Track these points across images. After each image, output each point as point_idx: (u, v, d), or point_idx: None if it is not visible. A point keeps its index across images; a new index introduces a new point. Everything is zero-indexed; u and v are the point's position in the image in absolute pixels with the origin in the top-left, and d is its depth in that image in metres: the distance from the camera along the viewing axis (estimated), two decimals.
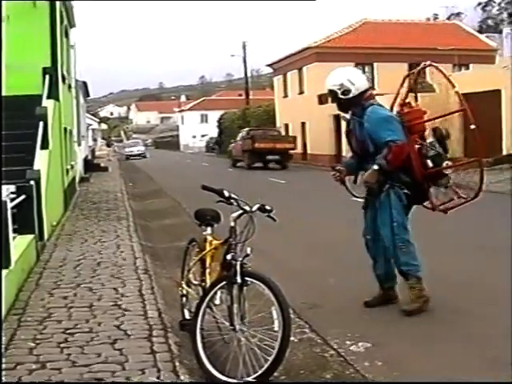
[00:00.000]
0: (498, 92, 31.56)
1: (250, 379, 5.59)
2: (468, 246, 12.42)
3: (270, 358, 5.56)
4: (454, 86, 8.50)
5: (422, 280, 8.10)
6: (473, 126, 8.12)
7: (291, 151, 45.65)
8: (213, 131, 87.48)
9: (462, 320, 7.75)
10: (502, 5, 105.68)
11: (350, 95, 8.17)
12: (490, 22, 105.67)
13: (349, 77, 8.27)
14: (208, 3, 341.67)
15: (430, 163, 8.05)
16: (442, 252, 11.76)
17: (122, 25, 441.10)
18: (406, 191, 8.09)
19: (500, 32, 60.83)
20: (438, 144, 8.27)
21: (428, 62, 8.90)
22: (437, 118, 8.75)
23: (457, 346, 6.93)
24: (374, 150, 8.04)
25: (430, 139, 8.37)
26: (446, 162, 8.21)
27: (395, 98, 9.00)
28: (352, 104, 8.28)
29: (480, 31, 70.80)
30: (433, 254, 10.55)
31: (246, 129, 50.42)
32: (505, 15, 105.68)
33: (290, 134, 54.16)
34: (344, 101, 8.29)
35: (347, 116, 8.54)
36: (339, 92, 8.24)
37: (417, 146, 8.19)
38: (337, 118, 44.72)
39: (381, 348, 6.90)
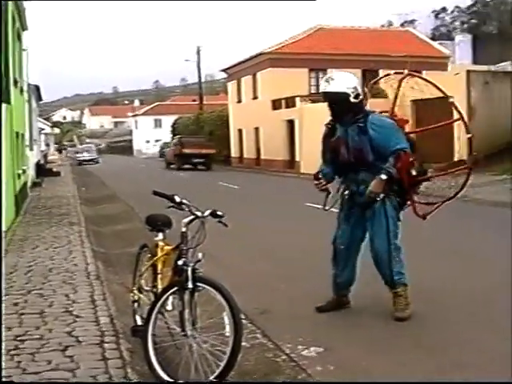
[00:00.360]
0: (444, 98, 31.85)
1: None
2: (420, 250, 12.53)
3: (222, 364, 5.55)
4: (449, 97, 8.74)
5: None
6: (469, 135, 8.36)
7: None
8: (167, 136, 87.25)
9: (415, 324, 7.82)
10: (455, 13, 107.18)
11: (359, 99, 7.90)
12: (443, 29, 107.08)
13: (356, 82, 8.02)
14: (162, 8, 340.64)
15: (413, 171, 7.97)
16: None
17: (76, 28, 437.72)
18: (398, 199, 8.11)
19: (452, 39, 61.66)
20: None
21: (406, 72, 8.91)
22: (430, 127, 9.47)
23: (408, 350, 6.99)
24: (373, 159, 7.89)
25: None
26: (430, 169, 8.43)
27: (394, 103, 8.78)
28: (357, 109, 8.00)
29: (433, 38, 71.63)
30: None
31: (178, 136, 58.15)
32: (457, 23, 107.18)
33: (244, 139, 54.42)
34: (352, 105, 7.91)
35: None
36: (352, 95, 7.87)
37: None
38: (290, 123, 44.95)
39: (333, 352, 6.93)
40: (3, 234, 13.13)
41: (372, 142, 7.85)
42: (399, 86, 8.67)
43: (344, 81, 7.96)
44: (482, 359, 6.53)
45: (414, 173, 8.01)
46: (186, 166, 51.85)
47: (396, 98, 8.63)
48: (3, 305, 7.73)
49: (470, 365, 6.41)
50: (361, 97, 7.91)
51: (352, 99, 7.83)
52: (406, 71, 8.58)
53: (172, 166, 54.67)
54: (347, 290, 8.56)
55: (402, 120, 8.36)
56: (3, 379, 5.69)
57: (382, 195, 7.84)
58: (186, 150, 52.18)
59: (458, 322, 7.84)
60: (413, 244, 12.99)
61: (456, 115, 8.77)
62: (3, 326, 7.19)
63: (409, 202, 8.33)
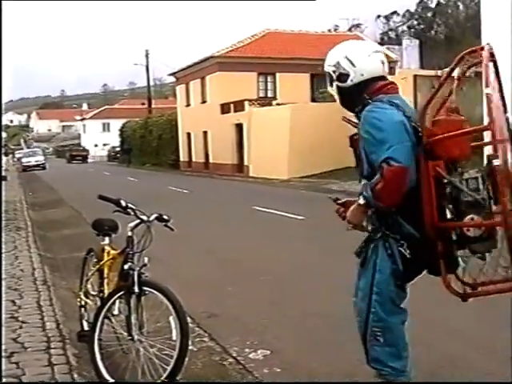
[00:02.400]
0: None
1: None
2: None
3: (169, 367, 5.56)
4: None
5: None
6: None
7: None
8: (115, 140, 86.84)
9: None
10: (402, 18, 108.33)
11: (349, 82, 5.04)
12: (391, 34, 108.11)
13: (348, 53, 5.09)
14: (111, 10, 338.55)
15: (448, 213, 4.62)
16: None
17: (21, 30, 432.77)
18: (404, 249, 4.80)
19: (400, 44, 62.29)
20: (482, 185, 4.61)
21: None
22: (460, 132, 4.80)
23: (355, 351, 7.06)
24: (367, 173, 4.95)
25: (471, 173, 4.70)
26: (471, 215, 4.57)
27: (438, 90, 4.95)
28: (354, 96, 5.08)
29: (381, 43, 72.27)
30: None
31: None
32: (405, 28, 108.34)
33: (193, 143, 54.70)
34: (343, 91, 5.17)
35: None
36: (334, 76, 5.16)
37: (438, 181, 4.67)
38: (239, 127, 45.01)
39: (279, 355, 6.97)
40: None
41: (363, 147, 5.02)
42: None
43: (329, 55, 5.35)
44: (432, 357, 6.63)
45: (449, 215, 4.64)
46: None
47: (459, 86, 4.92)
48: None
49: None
50: (353, 77, 5.00)
51: (336, 82, 5.18)
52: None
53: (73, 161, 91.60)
54: None
55: (453, 122, 4.80)
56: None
57: (378, 235, 4.99)
58: (74, 153, 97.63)
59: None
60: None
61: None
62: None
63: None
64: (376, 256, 4.99)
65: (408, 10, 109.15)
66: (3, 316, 7.92)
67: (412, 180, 4.63)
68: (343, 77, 5.07)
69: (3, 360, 6.31)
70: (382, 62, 5.04)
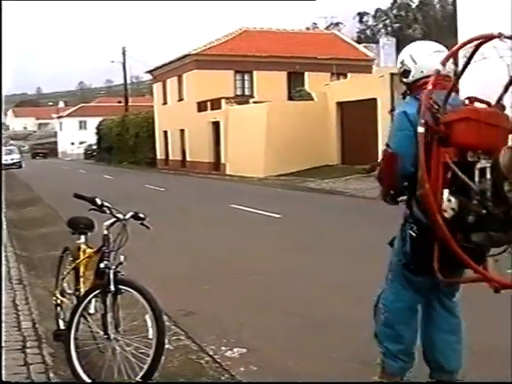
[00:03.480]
0: (374, 101, 32.44)
1: None
2: (342, 249, 12.71)
3: (145, 366, 5.55)
4: None
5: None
6: None
7: None
8: (91, 138, 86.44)
9: (336, 325, 7.93)
10: (380, 16, 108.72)
11: (410, 78, 5.33)
12: (368, 32, 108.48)
13: (412, 51, 5.37)
14: (87, 7, 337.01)
15: (449, 209, 4.68)
16: (318, 255, 12.02)
17: None
18: (413, 231, 5.08)
19: (377, 42, 62.50)
20: (490, 181, 4.62)
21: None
22: None
23: (330, 349, 7.09)
24: None
25: (483, 162, 4.72)
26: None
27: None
28: (415, 91, 5.28)
29: (358, 41, 72.42)
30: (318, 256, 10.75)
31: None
32: (381, 26, 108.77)
33: (170, 141, 54.71)
34: (407, 86, 5.42)
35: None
36: (400, 74, 5.46)
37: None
38: (216, 125, 45.03)
39: (255, 353, 6.99)
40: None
41: None
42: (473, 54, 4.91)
43: (401, 53, 5.55)
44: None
45: (450, 211, 4.70)
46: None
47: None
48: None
49: None
50: (414, 74, 5.29)
51: (402, 79, 5.47)
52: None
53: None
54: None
55: (489, 113, 4.90)
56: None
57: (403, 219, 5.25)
58: (38, 150, 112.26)
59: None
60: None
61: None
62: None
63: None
64: (396, 239, 5.34)
65: (385, 9, 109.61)
66: None
67: (405, 167, 4.97)
68: (406, 73, 5.36)
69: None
70: (437, 60, 5.07)
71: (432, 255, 4.88)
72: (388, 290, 5.42)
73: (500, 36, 4.77)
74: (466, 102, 5.09)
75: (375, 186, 25.99)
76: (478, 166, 4.68)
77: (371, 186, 25.65)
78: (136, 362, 5.66)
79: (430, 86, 4.89)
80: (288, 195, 27.57)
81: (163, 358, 5.72)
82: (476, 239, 4.70)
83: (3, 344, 6.81)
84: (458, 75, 4.98)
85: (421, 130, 4.79)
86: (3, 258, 11.51)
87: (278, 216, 18.66)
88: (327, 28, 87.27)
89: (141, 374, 5.56)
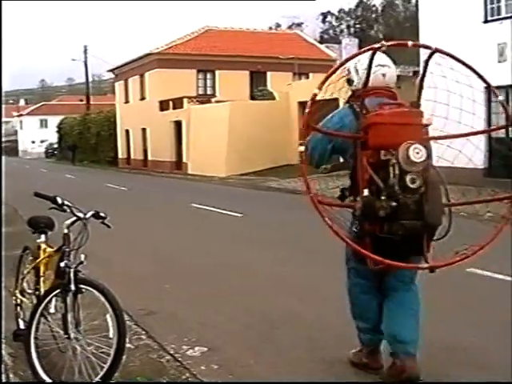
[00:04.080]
0: (336, 100, 32.45)
1: None
2: (303, 248, 12.76)
3: (106, 365, 5.54)
4: (497, 96, 5.98)
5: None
6: None
7: None
8: (53, 137, 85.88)
9: (296, 323, 7.97)
10: (342, 16, 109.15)
11: (353, 87, 5.99)
12: (331, 32, 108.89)
13: (357, 63, 5.93)
14: (48, 5, 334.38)
15: (358, 208, 5.46)
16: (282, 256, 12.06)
17: None
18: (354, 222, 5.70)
19: (339, 43, 62.81)
20: (397, 176, 5.28)
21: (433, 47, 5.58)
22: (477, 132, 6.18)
23: (291, 348, 7.13)
24: None
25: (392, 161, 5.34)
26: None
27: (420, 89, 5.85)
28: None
29: (321, 42, 72.69)
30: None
31: None
32: (344, 26, 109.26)
33: (131, 140, 54.57)
34: (352, 92, 6.02)
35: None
36: (346, 80, 6.09)
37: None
38: (178, 125, 44.94)
39: (216, 352, 6.99)
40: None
41: None
42: (425, 69, 5.72)
43: (350, 61, 6.03)
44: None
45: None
46: None
47: (421, 86, 5.83)
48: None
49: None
50: (356, 84, 5.93)
51: (347, 85, 6.14)
52: (433, 47, 5.58)
53: None
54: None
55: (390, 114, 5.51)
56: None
57: None
58: None
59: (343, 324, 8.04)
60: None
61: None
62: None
63: None
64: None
65: (348, 9, 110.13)
66: None
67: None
68: (350, 81, 5.99)
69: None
70: (383, 75, 5.80)
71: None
72: (348, 277, 6.19)
73: (382, 46, 5.45)
74: (376, 107, 5.53)
75: (336, 186, 26.16)
76: (391, 162, 5.26)
77: (332, 185, 25.75)
78: (97, 361, 5.64)
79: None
80: (250, 194, 27.61)
81: (124, 357, 5.72)
82: (392, 229, 5.27)
83: None
84: (418, 86, 5.77)
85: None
86: None
87: (239, 215, 18.70)
88: (290, 28, 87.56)
89: (101, 373, 5.54)
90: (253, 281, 10.36)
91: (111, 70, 61.71)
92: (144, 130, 52.61)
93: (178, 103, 45.51)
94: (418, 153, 5.11)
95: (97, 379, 5.55)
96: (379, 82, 5.76)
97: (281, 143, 37.45)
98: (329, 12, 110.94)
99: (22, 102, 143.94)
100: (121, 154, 58.82)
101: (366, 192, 5.35)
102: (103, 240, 8.40)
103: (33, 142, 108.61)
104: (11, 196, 26.16)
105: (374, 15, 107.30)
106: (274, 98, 40.91)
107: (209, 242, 14.43)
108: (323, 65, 48.74)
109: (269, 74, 48.90)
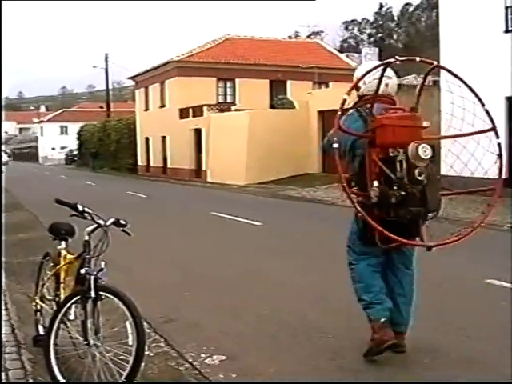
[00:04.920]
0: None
1: None
2: (322, 257, 12.73)
3: (125, 373, 5.55)
4: (483, 105, 6.66)
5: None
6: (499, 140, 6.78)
7: None
8: (73, 143, 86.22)
9: (316, 332, 7.95)
10: (362, 26, 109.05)
11: (360, 93, 7.01)
12: (351, 41, 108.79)
13: (365, 71, 6.82)
14: (70, 12, 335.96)
15: (374, 196, 6.37)
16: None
17: None
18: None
19: (359, 52, 62.75)
20: (405, 169, 6.33)
21: (435, 63, 6.87)
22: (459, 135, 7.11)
23: (310, 357, 7.11)
24: None
25: (400, 156, 6.38)
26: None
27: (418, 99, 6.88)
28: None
29: (341, 51, 72.66)
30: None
31: None
32: (365, 36, 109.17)
33: (151, 147, 54.67)
34: (359, 98, 7.06)
35: None
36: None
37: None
38: (197, 132, 45.01)
39: (235, 360, 6.98)
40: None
41: None
42: (424, 82, 7.07)
43: (358, 68, 7.25)
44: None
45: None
46: None
47: (419, 95, 6.91)
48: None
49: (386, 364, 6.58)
50: (362, 90, 6.96)
51: (355, 90, 7.05)
52: (435, 62, 6.84)
53: None
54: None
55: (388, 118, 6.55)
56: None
57: None
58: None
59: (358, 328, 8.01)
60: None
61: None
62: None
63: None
64: (353, 220, 6.97)
65: (367, 19, 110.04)
66: None
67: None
68: (358, 88, 6.91)
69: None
70: (386, 85, 6.77)
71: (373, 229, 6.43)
72: (351, 257, 7.02)
73: (395, 60, 6.50)
74: (383, 111, 6.59)
75: None
76: (398, 158, 6.32)
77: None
78: (115, 368, 5.66)
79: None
80: (269, 203, 27.59)
81: (143, 364, 5.72)
82: (400, 214, 6.27)
83: None
84: (417, 95, 6.87)
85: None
86: None
87: (259, 224, 18.68)
88: (309, 37, 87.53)
89: (120, 380, 5.56)
90: (272, 290, 10.33)
91: (132, 78, 61.92)
92: (164, 137, 52.72)
93: (197, 111, 45.57)
94: (425, 151, 6.22)
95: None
96: (383, 91, 6.73)
97: (300, 152, 37.45)
98: (352, 21, 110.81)
99: (42, 109, 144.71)
100: (140, 161, 58.97)
101: (375, 183, 6.34)
102: (123, 248, 8.42)
103: (53, 149, 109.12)
104: (31, 202, 26.32)
105: (393, 24, 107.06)
106: (293, 107, 40.90)
107: (228, 250, 14.42)
108: (343, 74, 48.81)
109: (289, 82, 48.93)
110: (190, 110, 46.69)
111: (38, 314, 7.31)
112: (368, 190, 6.39)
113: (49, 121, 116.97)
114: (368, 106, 6.68)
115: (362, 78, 6.72)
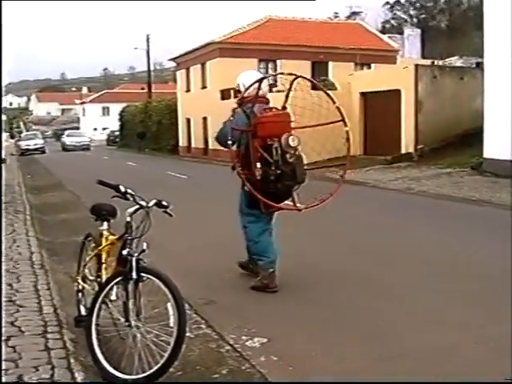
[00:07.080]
0: (398, 92, 32.28)
1: (144, 375, 5.58)
2: (359, 240, 12.66)
3: (166, 354, 5.56)
4: (334, 102, 10.12)
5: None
6: (347, 128, 10.37)
7: None
8: (114, 124, 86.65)
9: (357, 316, 7.90)
10: (405, 6, 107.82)
11: (241, 95, 9.49)
12: (393, 22, 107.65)
13: (244, 80, 9.59)
14: None
15: (258, 174, 8.67)
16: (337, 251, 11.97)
17: (22, 12, 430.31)
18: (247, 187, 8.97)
19: (402, 33, 62.19)
20: (279, 154, 8.69)
21: (298, 74, 9.87)
22: (311, 126, 10.32)
23: (351, 341, 7.06)
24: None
25: (275, 144, 8.74)
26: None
27: (285, 101, 9.64)
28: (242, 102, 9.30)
29: (383, 32, 72.02)
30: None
31: None
32: (406, 16, 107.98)
33: (192, 128, 54.65)
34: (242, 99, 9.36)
35: None
36: (237, 90, 9.76)
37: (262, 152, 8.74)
38: None
39: (276, 343, 6.96)
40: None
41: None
42: (290, 87, 9.64)
43: (238, 78, 9.78)
44: (422, 347, 6.63)
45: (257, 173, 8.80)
46: None
47: (287, 97, 9.61)
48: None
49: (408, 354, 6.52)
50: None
51: (238, 94, 9.68)
52: (298, 74, 9.88)
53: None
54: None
55: (272, 116, 9.02)
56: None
57: None
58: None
59: (392, 309, 7.93)
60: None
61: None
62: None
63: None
64: (241, 192, 9.45)
65: (410, 0, 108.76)
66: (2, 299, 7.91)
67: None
68: (239, 91, 9.49)
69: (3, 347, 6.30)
70: (261, 89, 9.09)
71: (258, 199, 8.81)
72: (245, 221, 9.40)
73: (269, 75, 10.95)
74: (262, 111, 8.93)
75: (397, 177, 26.01)
76: (274, 146, 8.64)
77: (392, 177, 25.56)
78: (156, 349, 5.67)
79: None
80: (309, 185, 27.47)
81: (184, 346, 5.72)
82: (278, 187, 8.69)
83: (23, 328, 6.86)
84: (285, 97, 9.54)
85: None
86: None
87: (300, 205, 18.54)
88: (348, 17, 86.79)
89: (161, 361, 5.56)
90: (316, 272, 10.27)
91: (173, 59, 61.90)
92: (205, 118, 52.68)
93: (239, 92, 45.39)
94: (293, 140, 8.66)
95: (156, 368, 5.57)
96: (262, 94, 9.15)
97: (341, 134, 37.21)
98: (397, 1, 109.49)
99: (84, 90, 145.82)
100: (181, 142, 59.01)
101: (258, 165, 8.60)
102: (165, 229, 8.42)
103: (95, 130, 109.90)
104: (73, 183, 26.52)
105: (436, 5, 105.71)
106: (335, 89, 40.64)
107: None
108: (385, 55, 48.43)
109: (330, 63, 48.59)
110: (232, 92, 46.52)
111: (80, 294, 7.35)
112: (253, 170, 8.62)
113: (91, 102, 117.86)
114: (249, 105, 8.91)
115: (249, 88, 9.09)
